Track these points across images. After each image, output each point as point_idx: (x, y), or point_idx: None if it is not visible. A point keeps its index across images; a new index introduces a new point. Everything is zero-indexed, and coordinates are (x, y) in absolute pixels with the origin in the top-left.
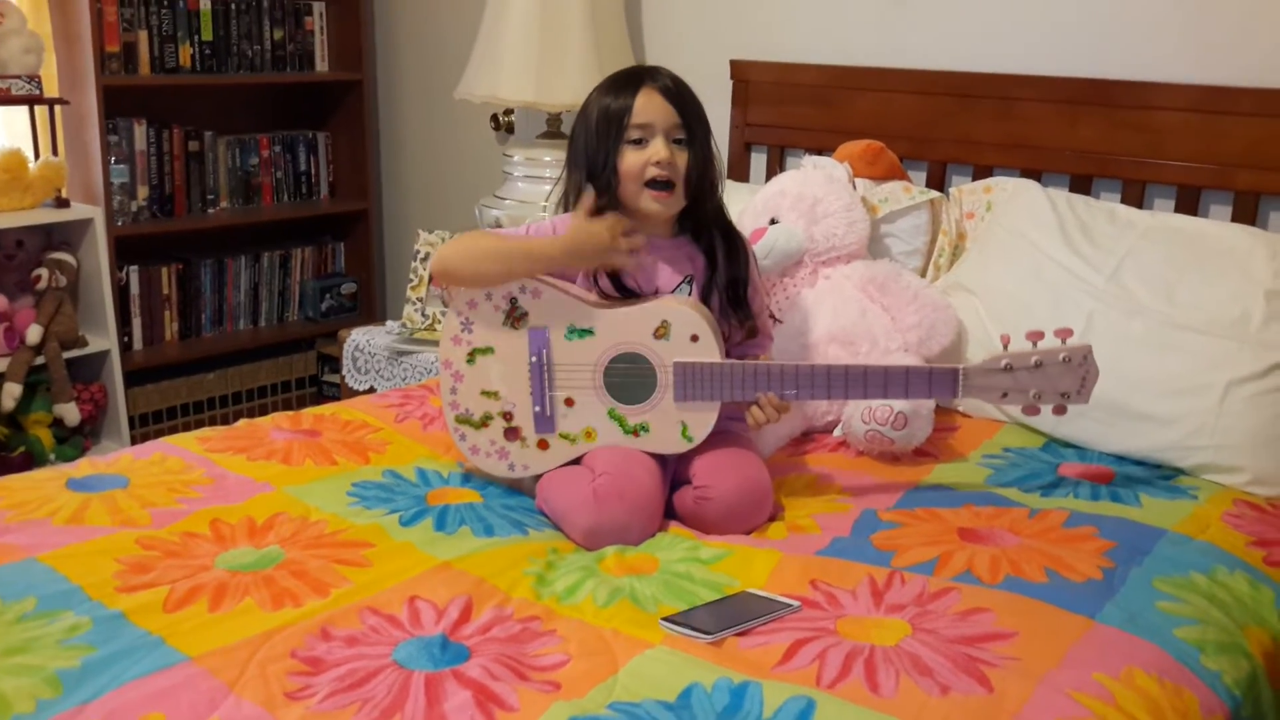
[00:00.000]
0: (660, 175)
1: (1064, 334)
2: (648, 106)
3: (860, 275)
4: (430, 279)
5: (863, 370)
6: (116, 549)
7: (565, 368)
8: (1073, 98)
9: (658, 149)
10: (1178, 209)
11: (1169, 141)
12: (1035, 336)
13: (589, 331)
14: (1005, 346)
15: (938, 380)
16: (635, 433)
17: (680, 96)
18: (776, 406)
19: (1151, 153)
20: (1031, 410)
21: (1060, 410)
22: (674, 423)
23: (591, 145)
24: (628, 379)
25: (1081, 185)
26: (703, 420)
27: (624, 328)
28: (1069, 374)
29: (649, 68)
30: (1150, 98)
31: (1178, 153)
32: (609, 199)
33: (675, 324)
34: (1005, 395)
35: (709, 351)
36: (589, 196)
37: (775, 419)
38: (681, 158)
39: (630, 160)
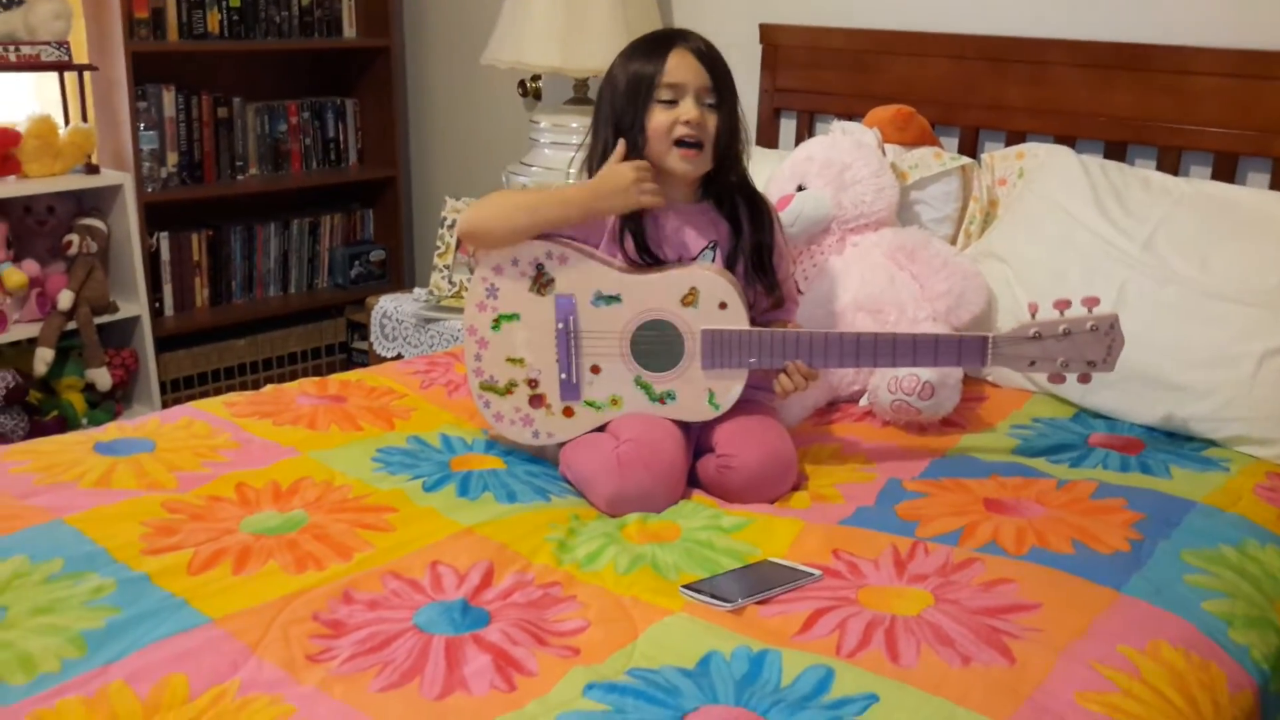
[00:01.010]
0: (689, 135)
1: (1091, 302)
2: (679, 66)
3: (889, 242)
4: (458, 244)
5: (891, 338)
6: (142, 512)
7: (592, 334)
8: (1107, 62)
9: (688, 108)
10: (1214, 176)
11: (1206, 107)
12: (1063, 305)
13: (616, 298)
14: (1033, 315)
15: (967, 348)
16: (661, 400)
17: (711, 60)
18: (805, 374)
19: (1188, 118)
20: (1057, 378)
21: (1085, 378)
22: (701, 390)
23: (620, 106)
24: (655, 346)
25: (1116, 152)
26: (730, 388)
27: (651, 294)
28: (1096, 342)
29: (680, 30)
30: (1187, 62)
31: (1214, 119)
32: (637, 158)
33: (704, 291)
34: (1033, 363)
35: (737, 319)
36: (621, 146)
37: (803, 387)
38: (711, 120)
39: (659, 119)
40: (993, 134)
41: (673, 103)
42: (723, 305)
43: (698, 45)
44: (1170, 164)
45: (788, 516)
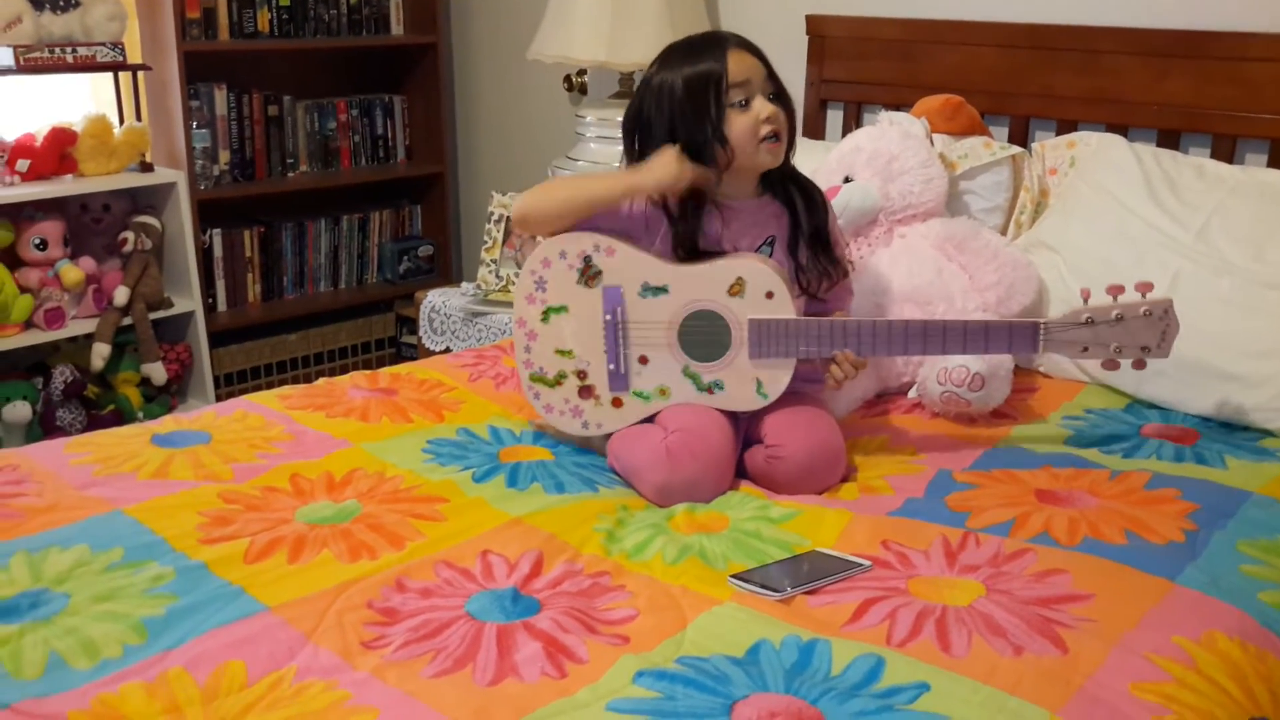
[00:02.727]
0: (774, 130)
1: (1144, 287)
2: (741, 66)
3: (937, 233)
4: (506, 239)
5: (941, 325)
6: (199, 502)
7: (640, 325)
8: (1161, 49)
9: (764, 105)
10: (1270, 164)
11: (1264, 94)
12: (1116, 290)
13: (663, 289)
14: (1085, 300)
15: (1018, 335)
16: (709, 390)
17: (760, 53)
18: (854, 363)
19: (1244, 106)
20: (1111, 365)
21: (1140, 365)
22: (749, 380)
23: (687, 116)
24: (702, 336)
25: (1169, 140)
26: (777, 377)
27: (698, 285)
28: (1150, 328)
29: (719, 32)
30: (1245, 49)
31: (1273, 106)
32: (710, 171)
33: (750, 281)
34: (1086, 350)
35: (784, 308)
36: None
37: (853, 375)
38: (779, 111)
39: (741, 123)
40: (1043, 123)
41: (745, 103)
42: (769, 295)
43: (746, 42)
44: (1225, 152)
45: (836, 508)
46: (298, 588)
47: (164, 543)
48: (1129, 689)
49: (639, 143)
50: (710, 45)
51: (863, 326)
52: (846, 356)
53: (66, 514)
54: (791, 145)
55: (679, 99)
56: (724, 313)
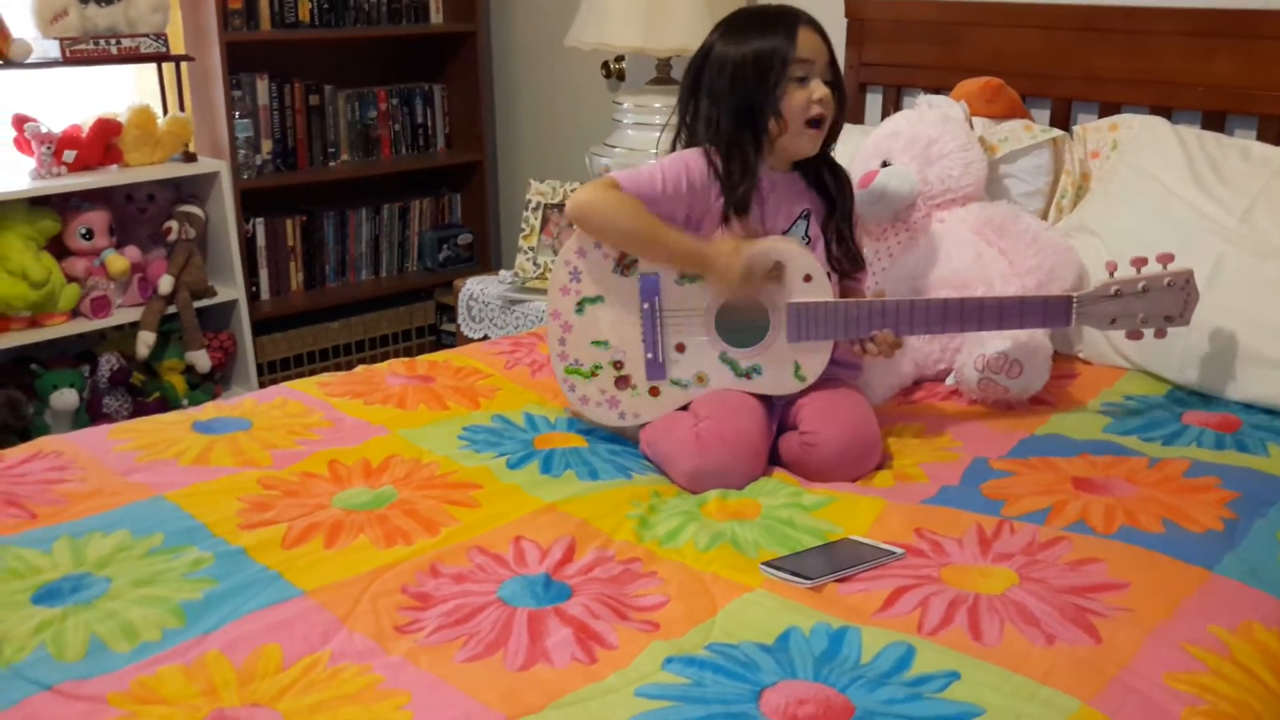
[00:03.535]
0: (821, 114)
1: (1166, 259)
2: (808, 43)
3: (976, 218)
4: (543, 226)
5: (978, 302)
6: (239, 488)
7: (676, 313)
8: (1207, 29)
9: (819, 87)
10: None
11: None
12: (1139, 262)
13: (698, 276)
14: (1111, 273)
15: (1052, 309)
16: (748, 375)
17: (826, 37)
18: (891, 343)
19: None
20: (1135, 335)
21: (1162, 334)
22: (787, 363)
23: (748, 84)
24: (739, 321)
25: (1214, 122)
26: (816, 360)
27: None
28: (1172, 297)
29: (788, 7)
30: None
31: None
32: (761, 141)
33: (789, 264)
34: (1114, 321)
35: (821, 291)
36: (768, 247)
37: (889, 355)
38: (830, 96)
39: (797, 98)
40: (1086, 105)
41: (804, 80)
42: (808, 278)
43: (816, 23)
44: (1272, 134)
45: (870, 495)
46: (334, 572)
47: (204, 528)
48: (1163, 678)
49: (692, 110)
50: (783, 19)
51: (900, 306)
52: (885, 337)
53: (109, 499)
54: (834, 136)
55: (746, 65)
56: (762, 297)
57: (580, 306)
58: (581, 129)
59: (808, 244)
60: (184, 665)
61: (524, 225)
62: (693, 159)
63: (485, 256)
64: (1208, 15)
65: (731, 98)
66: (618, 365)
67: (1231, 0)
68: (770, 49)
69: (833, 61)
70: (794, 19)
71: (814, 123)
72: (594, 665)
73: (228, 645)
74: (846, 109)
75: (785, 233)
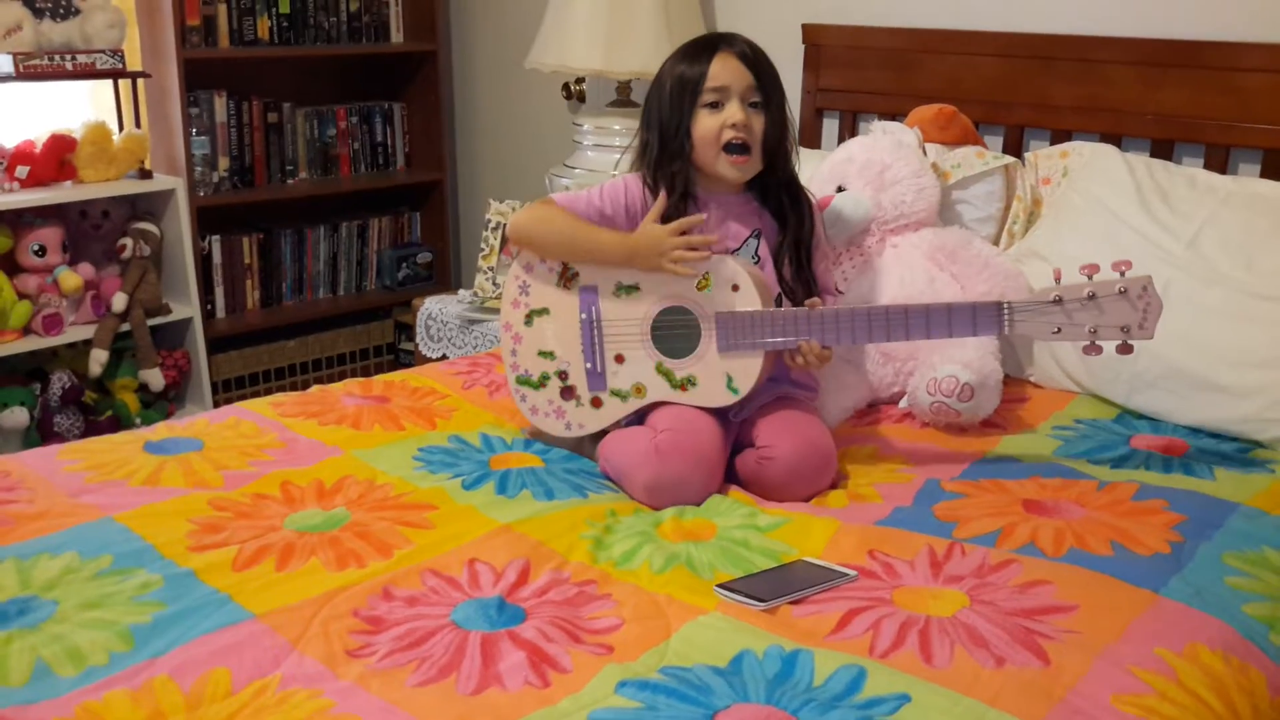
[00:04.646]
0: (736, 138)
1: (1122, 265)
2: (723, 70)
3: (929, 243)
4: (503, 246)
5: (903, 310)
6: (189, 509)
7: (614, 324)
8: (1156, 59)
9: (733, 111)
10: (1263, 174)
11: (1257, 104)
12: (1090, 270)
13: (635, 288)
14: (1057, 281)
15: (981, 315)
16: (683, 386)
17: (756, 61)
18: (818, 354)
19: (1239, 116)
20: (1093, 350)
21: (1126, 349)
22: (719, 374)
23: (665, 110)
24: (674, 332)
25: (1163, 150)
26: (747, 370)
27: (669, 282)
28: (1127, 307)
29: (725, 34)
30: (1239, 58)
31: (1266, 116)
32: (682, 165)
33: (716, 274)
34: (1059, 331)
35: (749, 300)
36: (661, 201)
37: (818, 367)
38: (758, 121)
39: (706, 124)
40: (1038, 133)
41: (718, 105)
42: (735, 287)
43: (742, 48)
44: (1218, 162)
45: (824, 516)
46: (285, 595)
47: (153, 550)
48: (1110, 701)
49: (640, 134)
50: (705, 45)
51: (825, 315)
52: (811, 347)
53: (57, 520)
54: (782, 160)
55: (664, 91)
56: (693, 308)
57: (529, 319)
58: (542, 150)
59: (757, 263)
60: (131, 690)
61: (483, 245)
62: (632, 181)
63: (444, 276)
64: (1157, 46)
65: (656, 123)
66: (563, 376)
67: (1180, 31)
68: (682, 75)
69: (765, 87)
70: (713, 46)
71: (733, 148)
72: (547, 689)
73: (176, 669)
74: (793, 134)
75: (734, 252)
